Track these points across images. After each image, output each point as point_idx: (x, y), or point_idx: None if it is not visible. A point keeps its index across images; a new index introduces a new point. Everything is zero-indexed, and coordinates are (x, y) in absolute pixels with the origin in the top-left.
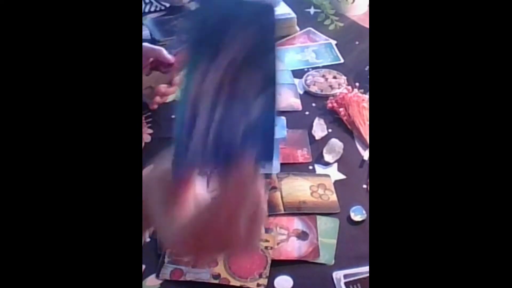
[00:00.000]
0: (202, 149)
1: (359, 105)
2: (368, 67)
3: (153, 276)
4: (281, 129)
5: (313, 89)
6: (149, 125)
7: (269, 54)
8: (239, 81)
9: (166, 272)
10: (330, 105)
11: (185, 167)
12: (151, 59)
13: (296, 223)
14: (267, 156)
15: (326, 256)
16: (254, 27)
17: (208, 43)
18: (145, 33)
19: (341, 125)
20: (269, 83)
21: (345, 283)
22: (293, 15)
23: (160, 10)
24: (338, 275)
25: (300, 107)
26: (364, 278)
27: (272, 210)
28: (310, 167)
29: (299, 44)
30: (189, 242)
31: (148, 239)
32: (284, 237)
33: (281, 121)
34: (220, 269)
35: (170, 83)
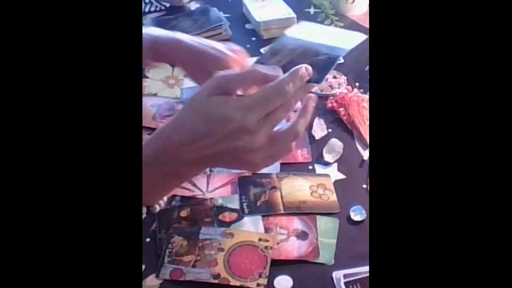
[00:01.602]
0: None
1: (359, 105)
2: (368, 67)
3: (153, 276)
4: None
5: (313, 89)
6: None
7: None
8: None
9: (166, 272)
10: (330, 105)
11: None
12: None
13: (296, 223)
14: (320, 79)
15: (326, 256)
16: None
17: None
18: None
19: (341, 125)
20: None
21: (345, 283)
22: (293, 15)
23: (160, 10)
24: (338, 275)
25: (300, 107)
26: (364, 278)
27: (272, 210)
28: (310, 167)
29: None
30: None
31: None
32: (284, 237)
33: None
34: (220, 269)
35: None
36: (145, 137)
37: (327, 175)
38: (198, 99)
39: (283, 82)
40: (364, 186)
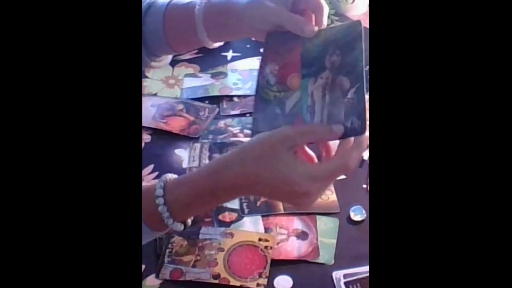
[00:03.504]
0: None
1: None
2: (368, 67)
3: (153, 276)
4: None
5: None
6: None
7: (357, 55)
8: (336, 81)
9: (166, 272)
10: None
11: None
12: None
13: (296, 223)
14: (361, 130)
15: (325, 256)
16: (345, 42)
17: (314, 63)
18: None
19: None
20: (359, 79)
21: (345, 283)
22: None
23: None
24: (338, 275)
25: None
26: (363, 278)
27: (272, 210)
28: None
29: None
30: None
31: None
32: (284, 237)
33: None
34: (220, 269)
35: None
36: (145, 137)
37: None
38: (267, 149)
39: (350, 157)
40: (364, 186)
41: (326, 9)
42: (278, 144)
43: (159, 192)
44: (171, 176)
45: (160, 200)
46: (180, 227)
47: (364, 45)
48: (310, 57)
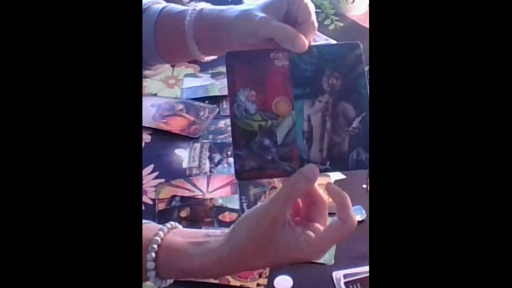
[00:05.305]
0: (320, 153)
1: None
2: (368, 67)
3: None
4: None
5: None
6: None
7: (360, 81)
8: (339, 107)
9: None
10: None
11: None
12: None
13: None
14: (365, 164)
15: (326, 256)
16: (344, 65)
17: (309, 83)
18: None
19: None
20: (365, 108)
21: (345, 283)
22: None
23: None
24: (338, 275)
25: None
26: (364, 278)
27: None
28: None
29: None
30: None
31: None
32: None
33: None
34: None
35: None
36: (145, 137)
37: (327, 175)
38: (264, 242)
39: (350, 211)
40: (364, 186)
41: (315, 28)
42: (272, 230)
43: (151, 263)
44: (163, 235)
45: (151, 265)
46: (170, 281)
47: (366, 69)
48: (303, 76)
